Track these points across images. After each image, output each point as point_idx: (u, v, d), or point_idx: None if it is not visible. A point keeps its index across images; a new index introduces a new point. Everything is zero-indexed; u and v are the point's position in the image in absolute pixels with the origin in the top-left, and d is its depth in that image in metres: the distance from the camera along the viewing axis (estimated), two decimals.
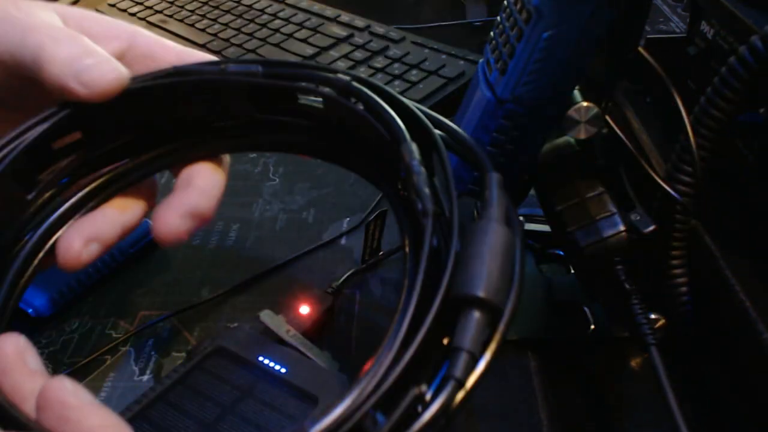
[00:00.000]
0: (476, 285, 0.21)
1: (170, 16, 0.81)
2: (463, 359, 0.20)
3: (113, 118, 0.29)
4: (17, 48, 0.26)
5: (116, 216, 0.29)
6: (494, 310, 0.21)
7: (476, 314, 0.21)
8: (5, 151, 0.26)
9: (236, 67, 0.29)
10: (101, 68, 0.25)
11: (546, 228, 0.46)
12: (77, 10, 0.29)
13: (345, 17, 0.76)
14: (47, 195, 0.29)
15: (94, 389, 0.40)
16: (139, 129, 0.31)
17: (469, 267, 0.22)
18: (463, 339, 0.21)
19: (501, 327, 0.21)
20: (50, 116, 0.27)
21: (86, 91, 0.25)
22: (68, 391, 0.21)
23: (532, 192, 0.40)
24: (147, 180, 0.31)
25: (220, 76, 0.29)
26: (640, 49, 0.37)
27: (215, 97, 0.30)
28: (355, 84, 0.28)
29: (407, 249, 0.25)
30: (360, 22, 0.75)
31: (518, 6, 0.31)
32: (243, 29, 0.76)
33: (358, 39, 0.72)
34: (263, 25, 0.76)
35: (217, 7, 0.81)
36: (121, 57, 0.29)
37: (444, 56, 0.67)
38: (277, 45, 0.72)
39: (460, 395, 0.20)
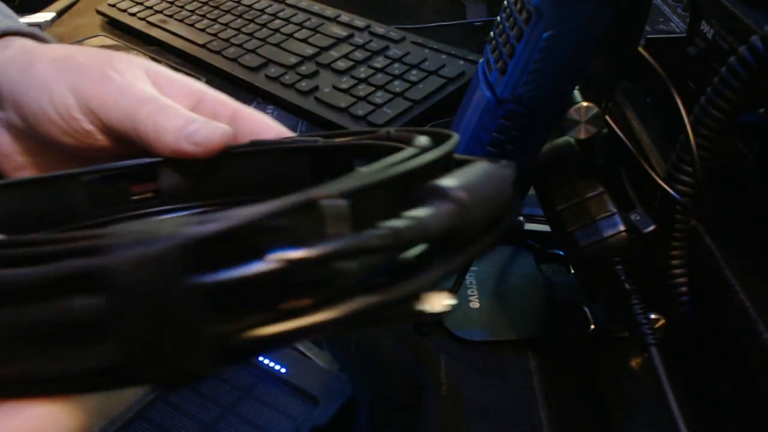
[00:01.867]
0: (454, 184, 0.17)
1: (170, 16, 0.81)
2: (400, 224, 0.15)
3: (187, 177, 0.32)
4: (127, 117, 0.31)
5: None
6: (464, 219, 0.17)
7: (445, 206, 0.16)
8: (93, 168, 0.30)
9: (301, 139, 0.31)
10: (207, 130, 0.30)
11: (546, 228, 0.46)
12: (153, 67, 0.34)
13: (345, 17, 0.76)
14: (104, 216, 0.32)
15: None
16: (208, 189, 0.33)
17: (459, 171, 0.18)
18: (420, 212, 0.16)
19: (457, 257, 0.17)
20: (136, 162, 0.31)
21: (200, 149, 0.30)
22: None
23: (532, 192, 0.40)
24: None
25: (288, 145, 0.31)
26: (640, 49, 0.37)
27: (281, 164, 0.31)
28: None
29: None
30: (360, 22, 0.75)
31: (518, 6, 0.31)
32: (243, 29, 0.76)
33: (358, 39, 0.71)
34: (263, 25, 0.76)
35: (217, 7, 0.81)
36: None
37: (444, 56, 0.67)
38: (277, 45, 0.72)
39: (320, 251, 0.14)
